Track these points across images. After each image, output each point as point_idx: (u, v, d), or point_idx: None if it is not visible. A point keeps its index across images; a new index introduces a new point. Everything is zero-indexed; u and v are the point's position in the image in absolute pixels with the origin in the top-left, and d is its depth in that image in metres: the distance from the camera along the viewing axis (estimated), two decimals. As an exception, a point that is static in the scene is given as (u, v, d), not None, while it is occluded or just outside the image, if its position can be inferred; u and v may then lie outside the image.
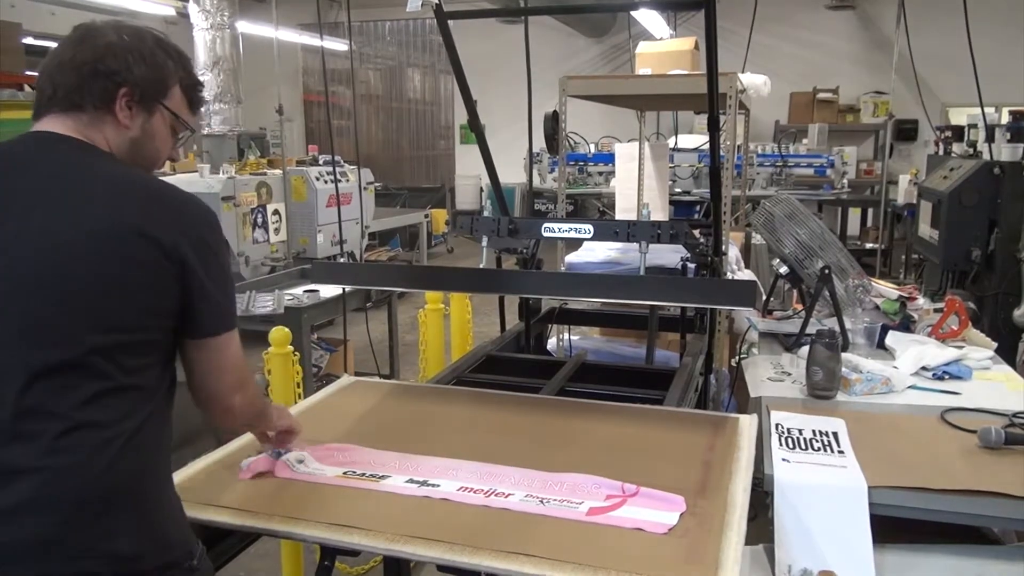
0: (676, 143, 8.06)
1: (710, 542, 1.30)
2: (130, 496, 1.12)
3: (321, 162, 6.47)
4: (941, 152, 5.52)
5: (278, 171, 5.87)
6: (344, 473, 1.54)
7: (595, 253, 3.48)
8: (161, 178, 1.36)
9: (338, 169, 6.16)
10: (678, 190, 7.68)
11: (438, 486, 1.49)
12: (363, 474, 1.54)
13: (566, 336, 3.48)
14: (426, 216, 8.88)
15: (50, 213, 1.15)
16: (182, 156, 1.57)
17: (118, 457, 1.11)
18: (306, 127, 12.46)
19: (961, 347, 2.53)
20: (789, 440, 1.86)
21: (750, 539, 1.39)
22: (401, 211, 8.89)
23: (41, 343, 1.10)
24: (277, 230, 5.76)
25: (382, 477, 1.53)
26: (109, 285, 1.13)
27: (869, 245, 8.27)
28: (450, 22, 2.47)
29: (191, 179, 5.26)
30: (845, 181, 8.27)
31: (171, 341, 1.22)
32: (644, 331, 2.91)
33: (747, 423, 1.85)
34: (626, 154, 4.79)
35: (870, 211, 8.83)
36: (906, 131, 9.32)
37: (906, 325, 2.77)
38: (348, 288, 3.73)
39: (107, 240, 1.14)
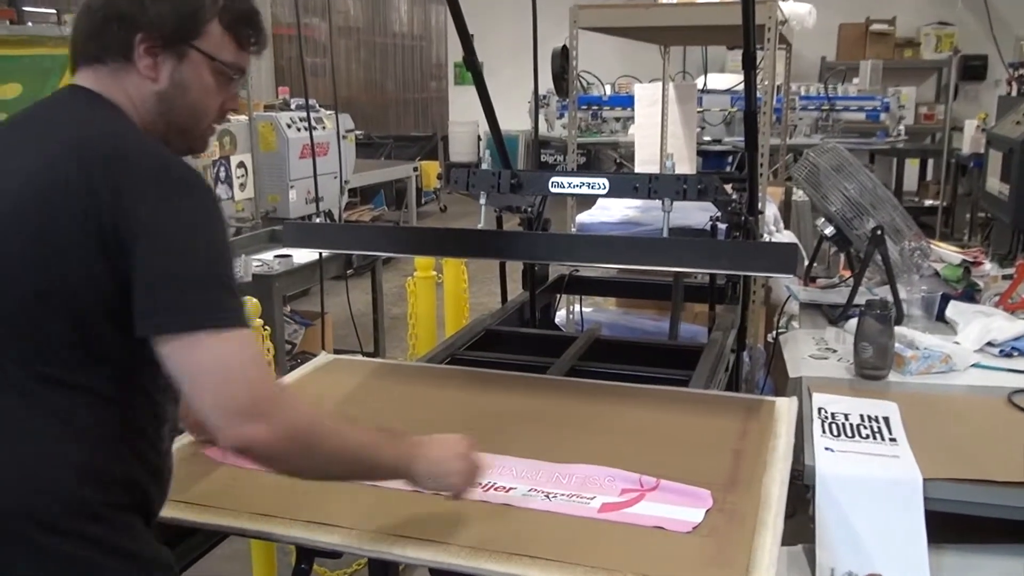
0: (705, 84, 8.00)
1: (741, 542, 1.30)
2: None
3: (293, 106, 6.43)
4: (1014, 93, 5.47)
5: (243, 117, 5.83)
6: (322, 464, 1.55)
7: (611, 212, 3.47)
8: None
9: (313, 115, 6.12)
10: (707, 139, 7.64)
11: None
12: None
13: (577, 308, 3.49)
14: (415, 169, 8.85)
15: None
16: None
17: None
18: (275, 65, 12.37)
19: (1033, 320, 2.53)
20: (833, 426, 1.87)
21: (787, 539, 1.40)
22: (386, 163, 8.87)
23: None
24: (243, 186, 5.75)
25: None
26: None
27: (928, 202, 8.25)
28: (442, -59, 2.44)
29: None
30: (902, 128, 8.21)
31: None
32: (667, 302, 2.91)
33: (785, 407, 1.85)
34: (647, 97, 4.76)
35: (930, 162, 8.78)
36: (974, 69, 9.25)
37: (970, 294, 2.77)
38: (325, 253, 3.72)
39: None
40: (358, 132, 7.30)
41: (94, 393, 1.13)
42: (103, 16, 1.21)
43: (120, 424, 1.16)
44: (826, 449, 1.77)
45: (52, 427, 1.11)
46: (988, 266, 2.94)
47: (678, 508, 1.39)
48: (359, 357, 2.31)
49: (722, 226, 2.56)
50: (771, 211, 3.62)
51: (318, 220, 5.27)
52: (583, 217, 3.58)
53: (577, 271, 3.19)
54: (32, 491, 1.08)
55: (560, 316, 3.55)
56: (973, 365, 2.26)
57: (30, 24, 4.83)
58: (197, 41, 1.23)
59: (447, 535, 1.32)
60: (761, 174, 3.03)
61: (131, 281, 1.09)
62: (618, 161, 8.35)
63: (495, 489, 1.47)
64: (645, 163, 4.71)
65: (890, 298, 2.49)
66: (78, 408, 1.12)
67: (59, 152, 1.13)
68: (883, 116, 8.02)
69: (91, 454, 1.12)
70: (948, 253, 3.05)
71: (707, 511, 1.39)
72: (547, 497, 1.44)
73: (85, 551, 1.09)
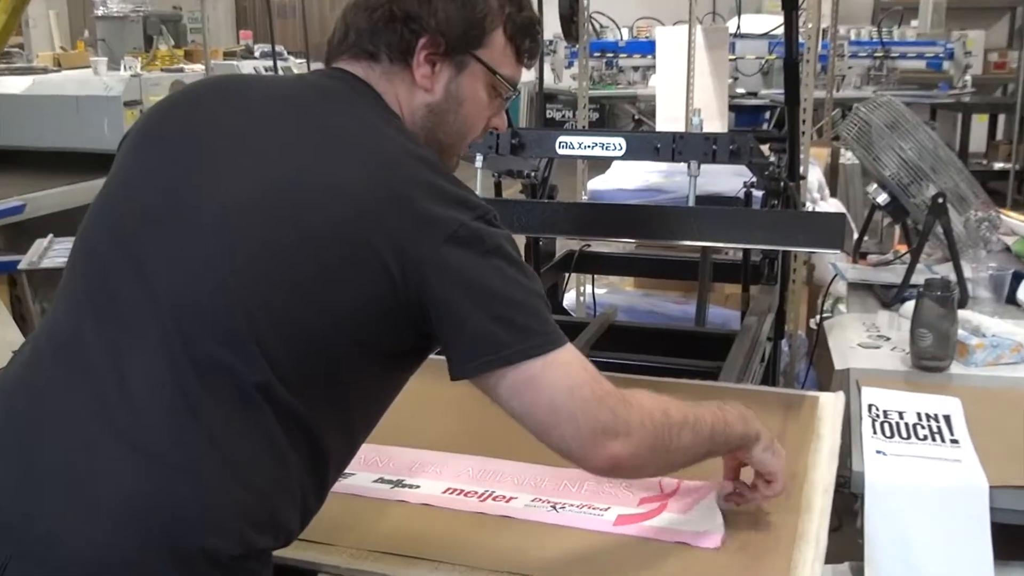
0: (739, 27, 7.96)
1: (778, 559, 1.31)
2: None
3: (257, 53, 6.42)
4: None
5: (199, 66, 5.81)
6: (293, 470, 1.56)
7: (628, 177, 3.47)
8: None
9: (280, 63, 6.10)
10: (741, 91, 7.61)
11: (417, 487, 1.51)
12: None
13: (588, 289, 3.49)
14: (400, 127, 8.79)
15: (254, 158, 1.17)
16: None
17: None
18: (236, 6, 12.31)
19: (1120, 302, 2.52)
20: (886, 426, 1.88)
21: (832, 556, 1.41)
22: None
23: None
24: (199, 147, 5.72)
25: (344, 475, 1.54)
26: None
27: (999, 165, 8.22)
28: None
29: (82, 78, 5.21)
30: (968, 78, 8.17)
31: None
32: (693, 282, 2.91)
33: (830, 404, 1.86)
34: (671, 42, 4.74)
35: (1000, 119, 8.75)
36: (1053, 9, 9.19)
37: (1046, 273, 2.76)
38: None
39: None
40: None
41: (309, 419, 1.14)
42: (388, 12, 1.24)
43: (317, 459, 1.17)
44: (877, 452, 1.77)
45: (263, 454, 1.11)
46: (1068, 240, 2.94)
47: (706, 519, 1.40)
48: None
49: (758, 193, 2.55)
50: (815, 176, 3.61)
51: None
52: (596, 183, 3.58)
53: (589, 246, 3.19)
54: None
55: (569, 299, 3.55)
56: (1049, 355, 2.26)
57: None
58: (480, 51, 1.26)
59: (436, 551, 1.32)
60: (803, 133, 3.02)
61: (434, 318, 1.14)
62: (637, 118, 8.31)
63: (493, 499, 1.47)
64: (668, 120, 4.71)
65: (953, 277, 2.48)
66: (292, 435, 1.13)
67: (373, 167, 1.16)
68: (946, 65, 7.98)
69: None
70: (1021, 225, 3.05)
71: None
72: (553, 508, 1.44)
73: None
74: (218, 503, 1.07)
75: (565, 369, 1.15)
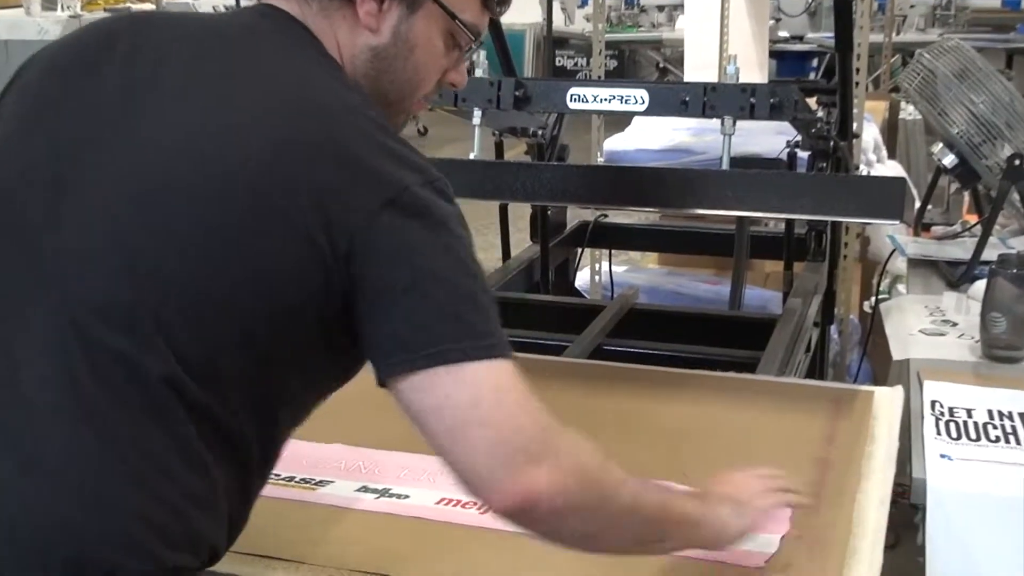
0: (782, -41, 7.94)
1: (826, 581, 1.31)
2: None
3: (215, -10, 6.39)
4: None
5: (148, 4, 5.81)
6: (262, 477, 1.57)
7: (651, 136, 3.46)
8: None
9: (244, 1, 6.08)
10: (783, 34, 7.60)
11: (407, 497, 1.51)
12: (291, 478, 1.56)
13: (605, 266, 3.49)
14: (384, 77, 8.79)
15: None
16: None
17: None
18: (192, -65, 12.29)
19: None
20: (952, 426, 1.88)
21: (888, 575, 1.42)
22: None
23: None
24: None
25: (320, 483, 1.55)
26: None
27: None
28: None
29: (13, 19, 5.21)
30: (1051, 19, 8.16)
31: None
32: (727, 258, 2.91)
33: (886, 400, 1.86)
34: (702, -23, 4.73)
35: (1088, 67, 8.71)
36: None
37: None
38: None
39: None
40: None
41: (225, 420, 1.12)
42: None
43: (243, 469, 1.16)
44: (942, 456, 1.77)
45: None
46: None
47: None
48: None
49: (803, 155, 2.54)
50: (870, 134, 3.60)
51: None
52: (613, 143, 3.57)
53: (605, 216, 3.19)
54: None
55: (582, 278, 3.55)
56: None
57: None
58: None
59: (429, 570, 1.34)
60: (857, 83, 3.01)
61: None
62: (661, 66, 8.31)
63: (494, 510, 1.48)
64: (698, 69, 4.69)
65: (1031, 252, 2.48)
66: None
67: (294, 115, 1.13)
68: (1025, 3, 7.97)
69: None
70: (1111, 191, 3.04)
71: (783, 537, 1.40)
72: (565, 520, 1.45)
73: None
74: (122, 520, 1.05)
75: (505, 379, 1.10)
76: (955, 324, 2.39)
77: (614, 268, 3.45)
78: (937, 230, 2.95)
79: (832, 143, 2.42)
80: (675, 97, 2.14)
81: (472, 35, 1.28)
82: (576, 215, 3.20)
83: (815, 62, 7.57)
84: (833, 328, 2.96)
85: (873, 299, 2.72)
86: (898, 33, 7.14)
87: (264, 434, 1.16)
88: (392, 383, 1.09)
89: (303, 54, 1.21)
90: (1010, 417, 1.91)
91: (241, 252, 1.08)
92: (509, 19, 1.70)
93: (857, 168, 2.78)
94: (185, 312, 1.07)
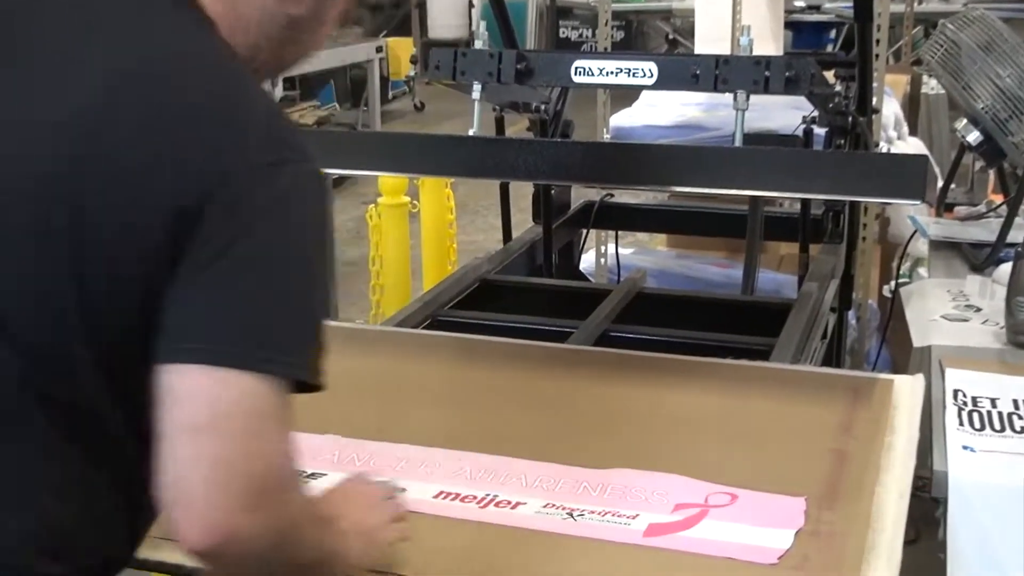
0: (798, -76, 7.91)
1: (843, 577, 1.32)
2: None
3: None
4: None
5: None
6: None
7: (660, 111, 3.45)
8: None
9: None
10: (799, 4, 7.58)
11: (403, 490, 1.51)
12: (282, 471, 1.56)
13: (611, 248, 3.48)
14: (379, 50, 8.77)
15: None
16: None
17: None
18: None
19: None
20: (975, 416, 1.88)
21: (907, 572, 1.42)
22: (337, 41, 8.78)
23: None
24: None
25: (313, 475, 1.55)
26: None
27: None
28: None
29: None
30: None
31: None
32: (740, 240, 2.90)
33: (907, 389, 1.86)
34: (713, -57, 4.71)
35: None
36: None
37: None
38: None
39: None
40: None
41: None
42: None
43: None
44: (964, 448, 1.77)
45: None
46: None
47: (756, 529, 1.41)
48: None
49: (820, 131, 2.54)
50: (890, 109, 3.60)
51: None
52: (621, 118, 3.57)
53: (611, 196, 3.19)
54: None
55: (587, 260, 3.56)
56: None
57: None
58: None
59: (428, 568, 1.33)
60: (877, 56, 3.00)
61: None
62: (671, 37, 8.29)
63: (496, 505, 1.48)
64: (709, 40, 4.68)
65: (1059, 234, 2.48)
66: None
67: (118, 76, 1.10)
68: (1055, -30, 7.93)
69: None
70: None
71: (797, 532, 1.40)
72: (570, 516, 1.45)
73: None
74: None
75: (279, 408, 1.05)
76: (979, 309, 2.39)
77: (621, 250, 3.45)
78: (961, 211, 2.96)
79: (851, 119, 2.42)
80: (685, 70, 2.14)
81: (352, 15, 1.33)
82: (581, 195, 3.19)
83: (833, 33, 7.55)
84: (851, 313, 2.96)
85: (893, 283, 2.72)
86: (920, 3, 7.12)
87: (147, 441, 1.08)
88: (168, 365, 1.04)
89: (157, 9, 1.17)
90: (1036, 407, 1.91)
91: (91, 248, 1.05)
92: (511, -12, 1.70)
93: (877, 145, 2.77)
94: (39, 311, 1.06)
